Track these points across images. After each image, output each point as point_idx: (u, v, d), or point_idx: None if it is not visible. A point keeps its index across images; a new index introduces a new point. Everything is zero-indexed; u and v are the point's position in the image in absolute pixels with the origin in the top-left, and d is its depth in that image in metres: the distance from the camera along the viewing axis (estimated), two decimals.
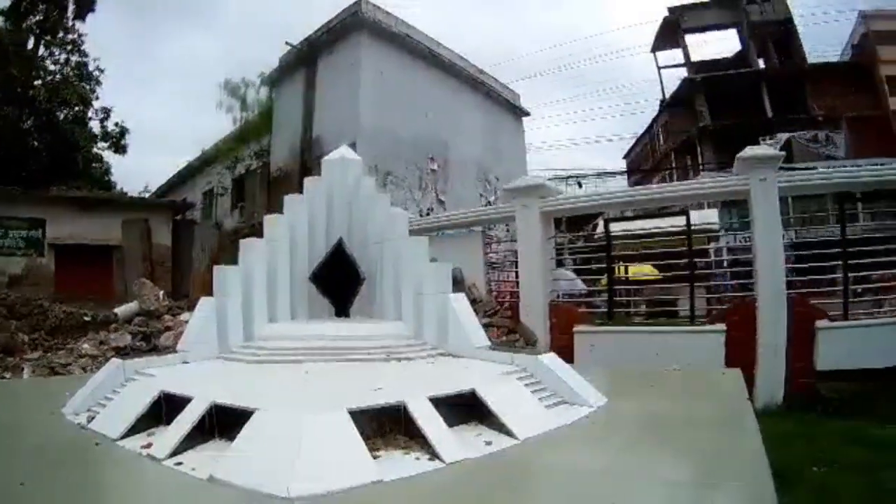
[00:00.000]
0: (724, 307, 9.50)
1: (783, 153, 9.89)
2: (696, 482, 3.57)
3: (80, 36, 25.51)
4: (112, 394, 5.12)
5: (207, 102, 44.64)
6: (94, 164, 27.62)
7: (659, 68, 35.38)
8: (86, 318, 10.50)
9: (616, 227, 11.57)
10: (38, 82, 24.06)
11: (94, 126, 26.81)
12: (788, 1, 32.24)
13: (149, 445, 4.02)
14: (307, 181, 8.24)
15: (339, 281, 7.87)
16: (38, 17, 23.78)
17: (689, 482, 3.58)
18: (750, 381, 7.54)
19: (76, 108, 25.57)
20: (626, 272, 13.65)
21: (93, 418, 4.78)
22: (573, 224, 17.96)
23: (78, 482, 3.58)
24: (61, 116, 24.77)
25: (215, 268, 6.93)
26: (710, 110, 30.55)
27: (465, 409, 4.45)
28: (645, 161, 41.03)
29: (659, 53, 35.33)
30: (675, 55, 34.47)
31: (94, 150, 27.16)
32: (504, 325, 10.12)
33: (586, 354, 9.24)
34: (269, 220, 7.57)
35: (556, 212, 10.77)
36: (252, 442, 3.59)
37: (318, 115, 19.80)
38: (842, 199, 9.76)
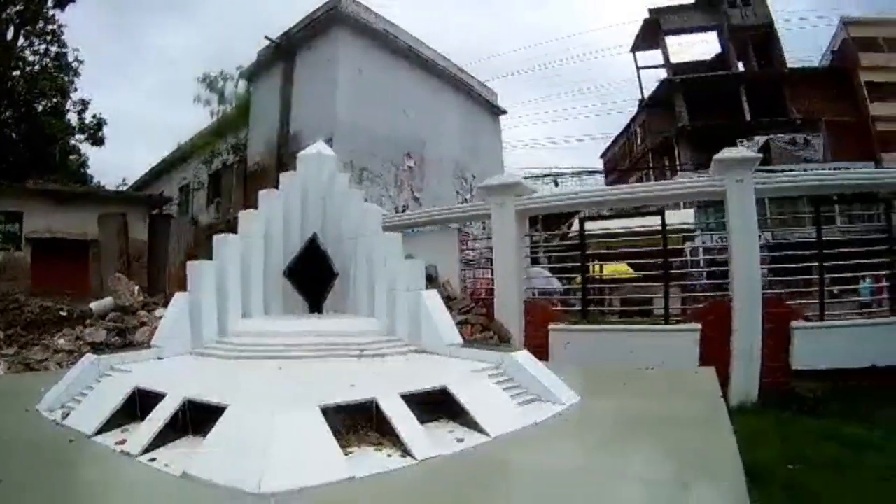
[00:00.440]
0: (698, 306, 9.63)
1: (760, 155, 10.04)
2: (667, 481, 3.59)
3: (59, 27, 25.32)
4: (87, 390, 5.11)
5: (186, 95, 44.28)
6: (70, 157, 27.32)
7: (638, 68, 35.67)
8: (62, 314, 10.41)
9: (592, 226, 11.65)
10: (16, 73, 23.72)
11: (72, 118, 26.57)
12: (770, 6, 32.68)
13: (123, 442, 4.02)
14: (283, 176, 8.21)
15: (313, 276, 7.85)
16: (18, 7, 23.43)
17: (661, 481, 3.60)
18: (725, 379, 7.65)
19: (54, 100, 25.32)
20: (601, 271, 13.76)
21: (67, 415, 4.77)
22: (549, 223, 18.08)
23: (52, 479, 3.57)
24: (39, 108, 24.48)
25: (189, 263, 6.90)
26: (689, 111, 30.87)
27: (437, 406, 4.50)
28: (622, 161, 41.37)
29: (638, 54, 35.59)
30: (655, 56, 34.78)
31: (72, 141, 26.87)
32: (479, 322, 10.15)
33: (561, 352, 9.32)
34: (244, 216, 7.54)
35: (532, 210, 10.84)
36: (225, 438, 3.61)
37: (296, 111, 19.67)
38: (817, 202, 9.94)
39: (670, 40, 33.48)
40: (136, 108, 78.15)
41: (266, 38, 20.50)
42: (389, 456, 3.75)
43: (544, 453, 4.12)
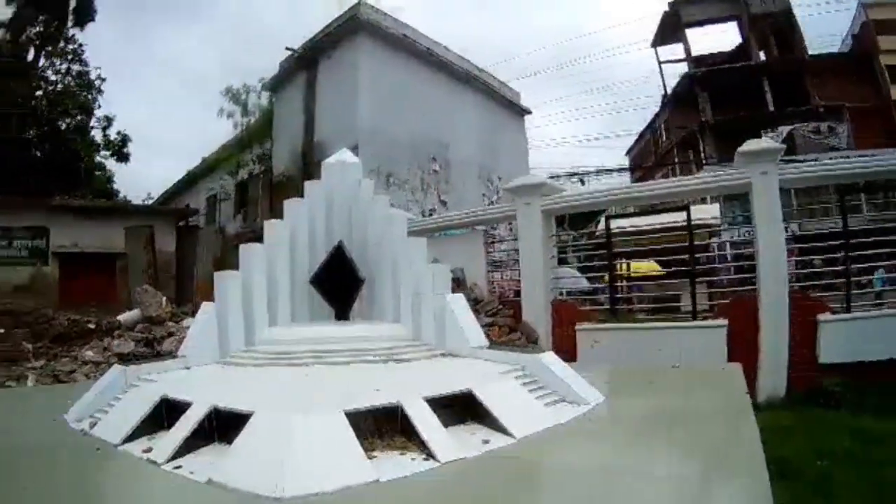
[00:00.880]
0: (725, 302, 9.47)
1: (783, 146, 9.83)
2: (691, 478, 3.57)
3: (80, 45, 25.81)
4: (114, 400, 5.18)
5: (210, 108, 44.86)
6: (96, 173, 27.78)
7: (660, 63, 35.23)
8: (90, 326, 10.57)
9: (619, 224, 11.53)
10: (39, 93, 24.21)
11: (97, 135, 27.02)
12: None
13: (149, 450, 4.06)
14: (307, 185, 8.29)
15: (339, 284, 7.89)
16: (38, 28, 23.93)
17: (685, 478, 3.57)
18: (752, 375, 7.53)
19: (78, 118, 25.74)
20: (629, 269, 13.61)
21: (95, 424, 4.83)
22: (576, 222, 17.94)
23: (78, 487, 3.62)
24: (63, 126, 24.92)
25: (216, 274, 6.97)
26: (712, 104, 30.42)
27: (463, 408, 4.48)
28: (647, 157, 40.91)
29: (659, 48, 35.19)
30: (676, 50, 34.33)
31: (97, 158, 27.32)
32: (506, 323, 10.11)
33: (588, 352, 9.23)
34: (270, 225, 7.62)
35: (558, 210, 10.73)
36: (249, 445, 3.62)
37: (319, 119, 19.80)
38: (843, 191, 9.70)
39: (691, 33, 33.05)
40: (156, 121, 79.32)
41: (287, 48, 20.69)
42: (413, 459, 3.73)
43: (569, 454, 4.10)
